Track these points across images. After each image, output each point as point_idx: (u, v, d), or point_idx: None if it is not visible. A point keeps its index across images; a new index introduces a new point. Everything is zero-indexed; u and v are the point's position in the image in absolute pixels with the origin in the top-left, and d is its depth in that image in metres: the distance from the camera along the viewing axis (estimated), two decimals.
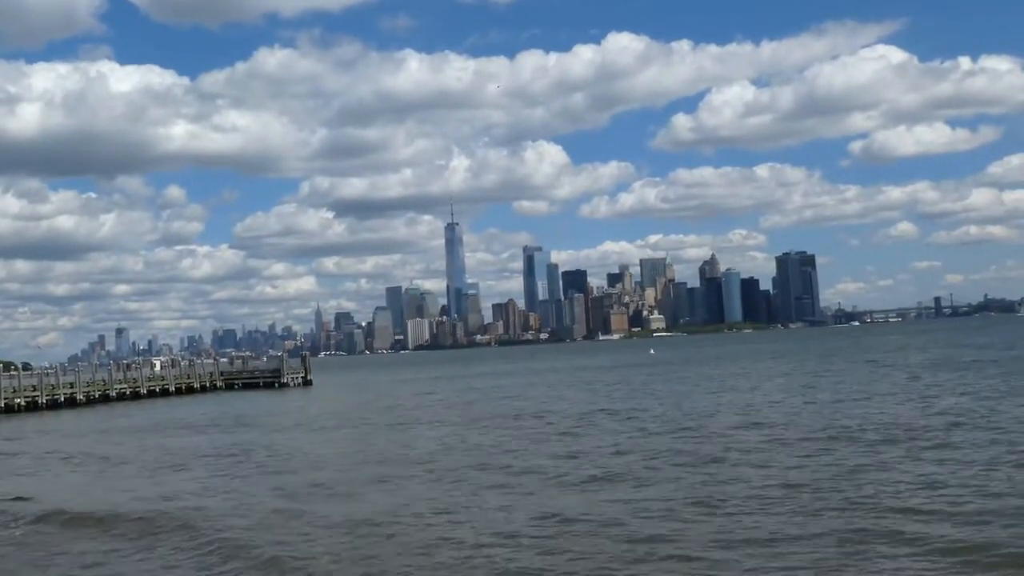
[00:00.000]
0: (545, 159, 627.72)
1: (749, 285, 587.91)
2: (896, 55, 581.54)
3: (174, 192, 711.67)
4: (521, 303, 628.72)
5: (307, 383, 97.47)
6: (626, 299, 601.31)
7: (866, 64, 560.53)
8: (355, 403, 68.26)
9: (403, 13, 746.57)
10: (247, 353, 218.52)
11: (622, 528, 18.99)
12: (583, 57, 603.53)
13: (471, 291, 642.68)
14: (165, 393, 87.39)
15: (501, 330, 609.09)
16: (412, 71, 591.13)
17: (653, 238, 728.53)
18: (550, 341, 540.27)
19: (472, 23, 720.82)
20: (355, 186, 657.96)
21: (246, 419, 55.76)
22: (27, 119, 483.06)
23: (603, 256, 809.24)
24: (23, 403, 71.79)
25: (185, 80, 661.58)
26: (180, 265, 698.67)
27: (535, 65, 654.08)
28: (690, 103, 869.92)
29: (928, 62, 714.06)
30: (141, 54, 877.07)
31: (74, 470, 35.02)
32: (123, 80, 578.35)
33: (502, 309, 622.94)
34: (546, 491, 23.96)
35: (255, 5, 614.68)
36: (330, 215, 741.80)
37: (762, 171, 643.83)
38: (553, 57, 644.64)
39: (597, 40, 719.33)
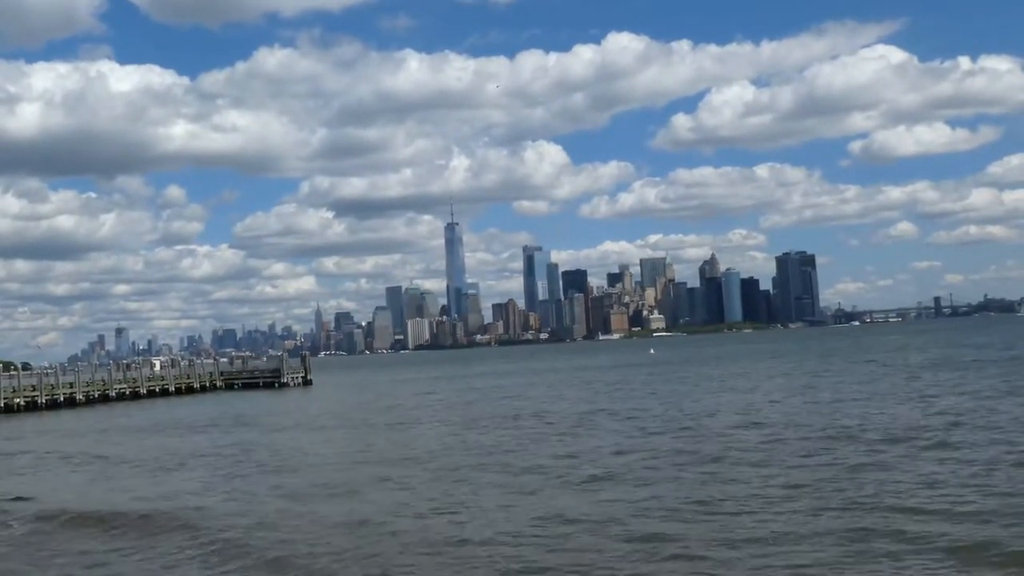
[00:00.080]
0: (545, 159, 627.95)
1: (749, 285, 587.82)
2: (896, 55, 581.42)
3: (174, 192, 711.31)
4: (521, 303, 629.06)
5: (307, 383, 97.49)
6: (626, 299, 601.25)
7: (866, 64, 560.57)
8: (355, 403, 68.26)
9: (403, 13, 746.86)
10: (247, 353, 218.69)
11: (623, 527, 18.99)
12: (583, 57, 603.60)
13: (471, 291, 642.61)
14: (165, 393, 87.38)
15: (501, 330, 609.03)
16: (412, 71, 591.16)
17: (653, 238, 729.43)
18: (550, 341, 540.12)
19: (472, 23, 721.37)
20: (355, 186, 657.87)
21: (246, 419, 55.76)
22: (27, 119, 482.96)
23: (603, 256, 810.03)
24: (22, 403, 71.81)
25: (185, 80, 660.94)
26: (180, 265, 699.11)
27: (535, 65, 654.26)
28: (690, 103, 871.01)
29: (928, 62, 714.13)
30: (141, 54, 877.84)
31: (74, 470, 35.01)
32: (123, 80, 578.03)
33: (502, 309, 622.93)
34: (547, 491, 23.96)
35: (255, 5, 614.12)
36: (330, 215, 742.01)
37: (762, 171, 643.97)
38: (553, 57, 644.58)
39: (597, 40, 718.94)
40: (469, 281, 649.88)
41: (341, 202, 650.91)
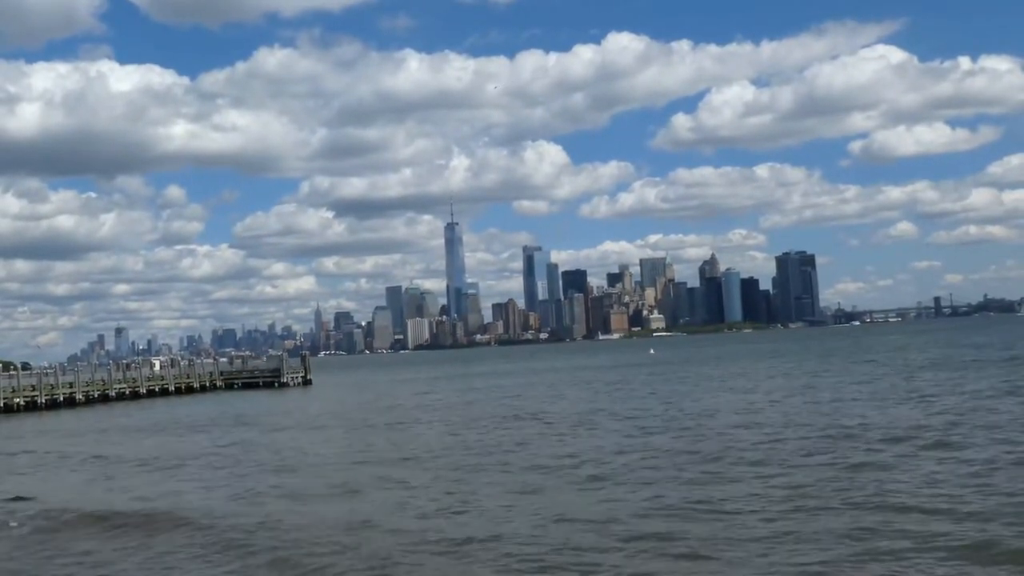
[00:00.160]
0: (545, 159, 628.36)
1: (749, 285, 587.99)
2: (896, 55, 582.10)
3: (174, 192, 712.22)
4: (521, 303, 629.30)
5: (307, 383, 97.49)
6: (626, 299, 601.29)
7: (866, 64, 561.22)
8: (355, 403, 68.25)
9: (403, 13, 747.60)
10: (247, 353, 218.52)
11: (623, 526, 18.99)
12: (583, 57, 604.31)
13: (471, 291, 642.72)
14: (165, 393, 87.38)
15: (501, 330, 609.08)
16: (412, 71, 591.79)
17: (653, 238, 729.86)
18: (550, 341, 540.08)
19: (472, 23, 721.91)
20: (355, 186, 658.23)
21: (246, 418, 55.76)
22: (27, 119, 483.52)
23: (603, 256, 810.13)
24: (22, 403, 71.78)
25: (185, 80, 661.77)
26: (180, 265, 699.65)
27: (535, 65, 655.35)
28: (690, 103, 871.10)
29: (928, 62, 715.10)
30: (141, 54, 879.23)
31: (74, 469, 35.01)
32: (123, 80, 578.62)
33: (502, 309, 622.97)
34: (547, 490, 23.96)
35: (255, 5, 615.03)
36: (330, 215, 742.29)
37: (762, 171, 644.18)
38: (553, 57, 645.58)
39: (597, 40, 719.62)
40: (469, 281, 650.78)
41: (341, 202, 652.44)
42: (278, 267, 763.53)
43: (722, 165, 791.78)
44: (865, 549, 16.23)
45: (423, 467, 29.58)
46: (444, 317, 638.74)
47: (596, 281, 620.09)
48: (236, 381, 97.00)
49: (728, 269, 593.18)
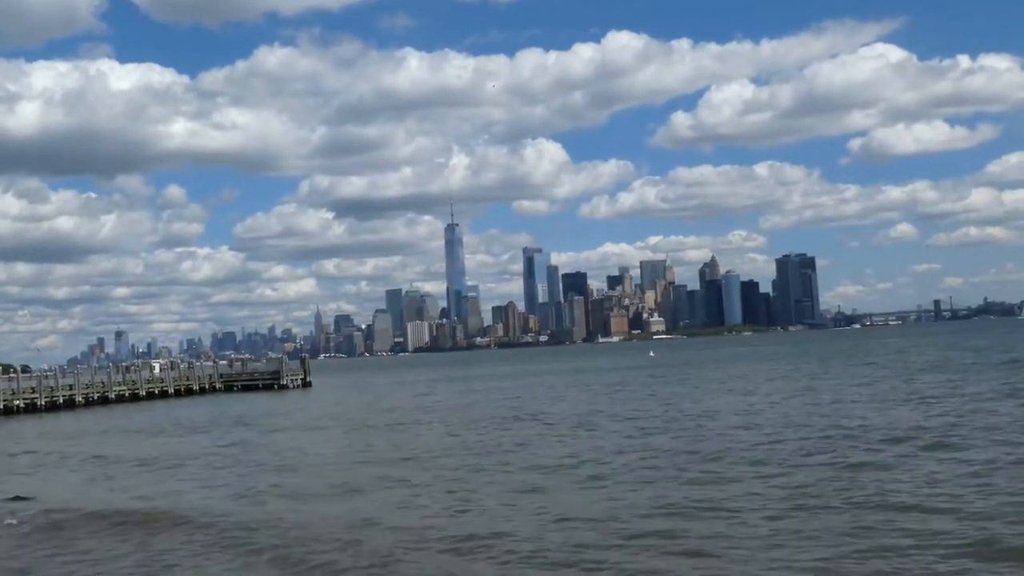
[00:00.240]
0: (545, 157, 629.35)
1: (749, 288, 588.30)
2: (895, 53, 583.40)
3: (174, 192, 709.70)
4: (521, 305, 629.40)
5: (306, 385, 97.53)
6: (626, 301, 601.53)
7: (865, 62, 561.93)
8: (355, 404, 68.26)
9: (403, 12, 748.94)
10: (246, 355, 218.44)
11: (624, 524, 19.02)
12: (583, 55, 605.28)
13: (471, 293, 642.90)
14: (164, 395, 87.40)
15: (501, 332, 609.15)
16: (412, 69, 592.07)
17: (653, 239, 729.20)
18: (550, 343, 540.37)
19: (472, 22, 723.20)
20: (355, 185, 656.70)
21: (246, 420, 55.78)
22: (27, 118, 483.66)
23: (603, 258, 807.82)
24: (22, 405, 71.77)
25: (185, 78, 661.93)
26: (180, 268, 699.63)
27: (535, 63, 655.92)
28: (689, 101, 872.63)
29: (927, 60, 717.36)
30: (141, 52, 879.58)
31: (74, 470, 35.01)
32: (123, 78, 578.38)
33: (502, 311, 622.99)
34: (547, 489, 23.97)
35: (255, 4, 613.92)
36: (330, 215, 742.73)
37: (761, 169, 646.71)
38: (553, 55, 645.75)
39: (597, 39, 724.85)
40: (469, 283, 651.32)
41: (341, 202, 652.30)
42: (278, 270, 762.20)
43: (721, 163, 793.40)
44: (866, 547, 16.25)
45: (423, 467, 29.60)
46: (444, 320, 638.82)
47: (596, 283, 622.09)
48: (236, 383, 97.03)
49: (728, 272, 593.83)
